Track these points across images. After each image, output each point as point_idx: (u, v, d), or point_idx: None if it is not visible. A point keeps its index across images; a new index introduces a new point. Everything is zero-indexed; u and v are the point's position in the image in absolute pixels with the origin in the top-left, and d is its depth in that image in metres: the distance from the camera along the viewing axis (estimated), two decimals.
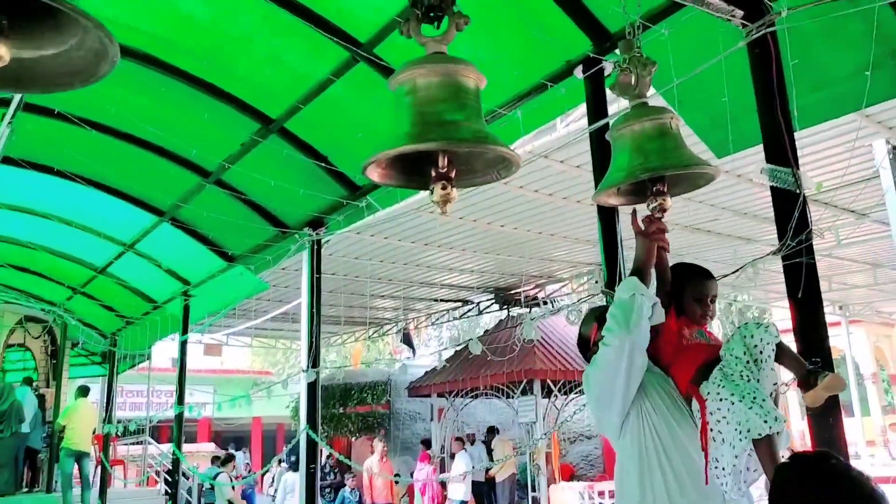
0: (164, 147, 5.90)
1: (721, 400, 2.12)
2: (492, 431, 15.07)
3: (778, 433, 2.03)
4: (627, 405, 2.30)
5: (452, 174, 1.91)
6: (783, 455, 2.20)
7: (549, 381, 13.64)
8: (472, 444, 14.32)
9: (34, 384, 12.34)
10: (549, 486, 13.15)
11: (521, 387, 13.84)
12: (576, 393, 13.99)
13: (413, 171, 2.05)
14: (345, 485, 14.49)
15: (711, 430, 2.13)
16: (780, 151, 3.07)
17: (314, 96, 4.91)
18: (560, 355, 13.84)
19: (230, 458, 13.45)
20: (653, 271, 2.42)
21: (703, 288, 2.43)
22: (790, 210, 3.00)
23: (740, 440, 2.03)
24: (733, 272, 3.78)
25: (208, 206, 6.50)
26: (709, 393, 2.18)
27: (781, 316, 16.16)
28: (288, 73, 4.90)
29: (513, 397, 14.22)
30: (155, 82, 4.83)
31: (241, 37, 4.61)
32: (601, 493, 12.06)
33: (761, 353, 2.15)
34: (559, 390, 13.96)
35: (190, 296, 8.77)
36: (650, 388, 2.35)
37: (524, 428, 14.78)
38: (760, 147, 3.25)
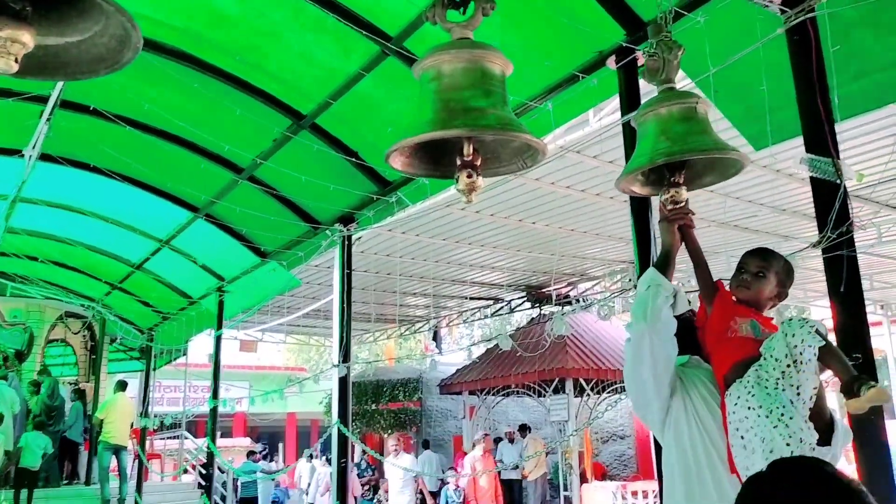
0: (198, 143, 5.97)
1: (749, 409, 2.05)
2: (524, 429, 15.00)
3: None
4: (664, 400, 2.25)
5: (478, 162, 1.87)
6: (840, 456, 2.10)
7: (581, 379, 13.52)
8: (511, 442, 14.19)
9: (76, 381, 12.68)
10: (581, 486, 13.03)
11: (553, 385, 13.75)
12: (609, 392, 13.86)
13: (438, 159, 2.02)
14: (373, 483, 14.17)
15: (742, 437, 2.05)
16: (821, 141, 2.98)
17: (344, 91, 4.92)
18: (592, 354, 13.71)
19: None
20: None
21: (745, 259, 2.35)
22: (830, 202, 2.91)
23: (765, 459, 1.95)
24: None
25: (241, 202, 6.56)
26: (738, 397, 2.09)
27: (821, 315, 15.78)
28: (318, 69, 4.91)
29: (545, 396, 14.13)
30: (187, 78, 4.87)
31: (271, 32, 4.63)
32: (634, 493, 11.91)
33: (801, 354, 2.02)
34: (592, 389, 13.83)
35: (224, 291, 8.87)
36: (696, 382, 2.28)
37: (556, 427, 14.68)
38: (799, 141, 3.16)
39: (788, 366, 2.04)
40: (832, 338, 2.36)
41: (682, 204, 2.34)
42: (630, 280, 12.19)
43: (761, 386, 2.06)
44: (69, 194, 7.33)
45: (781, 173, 8.14)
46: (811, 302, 15.67)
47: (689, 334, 2.39)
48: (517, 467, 12.88)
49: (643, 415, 2.37)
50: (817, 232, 3.01)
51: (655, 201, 3.81)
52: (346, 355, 6.33)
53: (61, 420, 11.57)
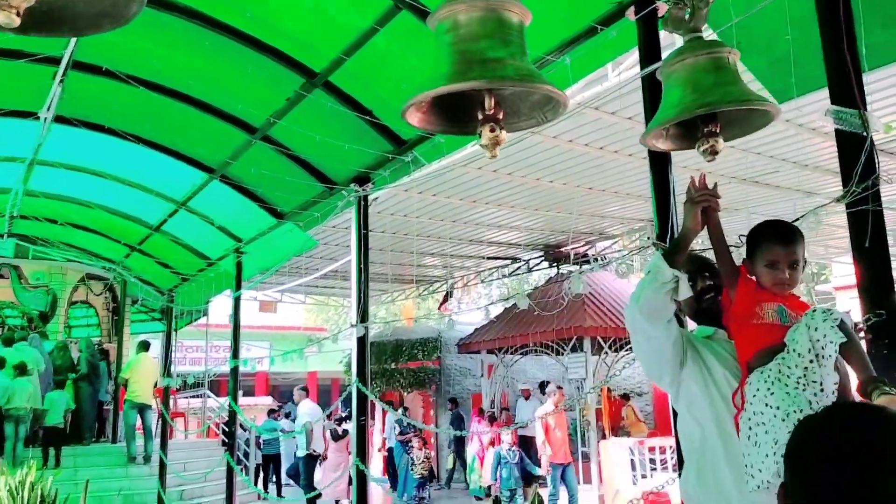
0: (211, 103, 5.91)
1: (766, 405, 1.99)
2: (543, 386, 15.07)
3: None
4: (674, 373, 2.27)
5: (500, 116, 1.83)
6: None
7: (599, 338, 13.53)
8: (527, 399, 14.33)
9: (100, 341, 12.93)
10: (598, 442, 13.15)
11: (571, 344, 13.78)
12: (626, 350, 13.87)
13: (455, 114, 1.97)
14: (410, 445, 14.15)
15: (751, 428, 2.00)
16: (847, 92, 2.88)
17: (357, 48, 4.82)
18: (610, 312, 13.69)
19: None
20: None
21: (774, 250, 2.17)
22: (856, 155, 2.82)
23: (774, 461, 1.90)
24: (794, 221, 3.61)
25: (256, 163, 6.53)
26: (758, 389, 2.04)
27: (843, 272, 15.64)
28: (331, 24, 4.81)
29: (563, 354, 14.18)
30: (199, 36, 4.80)
31: None
32: (651, 449, 11.99)
33: (823, 348, 1.96)
34: (610, 347, 13.85)
35: (242, 253, 8.89)
36: (718, 356, 2.26)
37: (574, 384, 14.77)
38: (824, 94, 3.06)
39: (811, 361, 1.98)
40: (853, 296, 2.29)
41: (714, 158, 2.25)
42: (648, 238, 12.10)
43: (782, 383, 2.01)
44: (85, 156, 7.34)
45: (804, 128, 7.97)
46: (832, 258, 15.53)
47: (719, 309, 2.36)
48: (526, 426, 12.96)
49: (657, 382, 2.43)
50: (841, 187, 2.94)
51: (675, 157, 3.74)
52: (364, 316, 6.35)
53: (99, 377, 11.91)
